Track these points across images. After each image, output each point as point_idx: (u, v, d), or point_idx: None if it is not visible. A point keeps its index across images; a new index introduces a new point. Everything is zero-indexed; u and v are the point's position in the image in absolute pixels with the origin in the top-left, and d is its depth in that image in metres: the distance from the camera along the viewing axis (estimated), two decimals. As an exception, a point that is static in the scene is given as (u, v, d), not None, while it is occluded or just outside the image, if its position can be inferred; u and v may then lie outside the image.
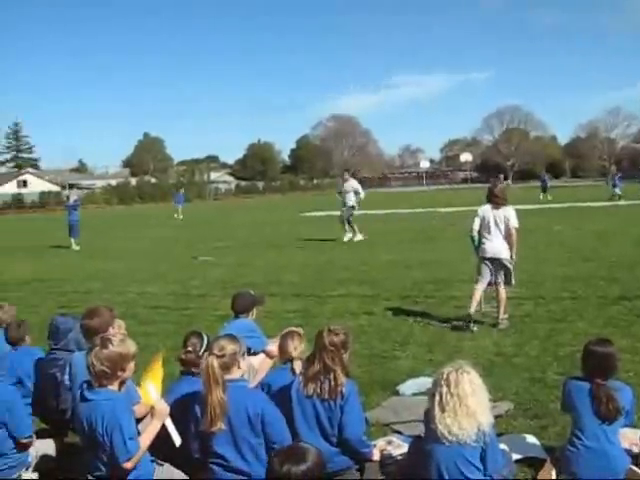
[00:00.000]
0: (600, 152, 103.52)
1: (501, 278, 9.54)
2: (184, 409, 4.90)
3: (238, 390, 4.61)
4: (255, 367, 6.50)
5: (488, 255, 9.53)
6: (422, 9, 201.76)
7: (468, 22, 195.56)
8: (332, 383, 4.86)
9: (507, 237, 9.45)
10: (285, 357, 5.56)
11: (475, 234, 9.66)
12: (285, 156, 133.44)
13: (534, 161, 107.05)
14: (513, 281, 9.64)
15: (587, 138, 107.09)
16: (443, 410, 4.38)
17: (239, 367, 4.73)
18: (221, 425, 4.48)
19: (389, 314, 10.55)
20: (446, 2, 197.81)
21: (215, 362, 4.50)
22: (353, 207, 22.60)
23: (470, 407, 4.37)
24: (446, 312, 10.41)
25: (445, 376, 4.44)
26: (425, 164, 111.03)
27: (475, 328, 9.31)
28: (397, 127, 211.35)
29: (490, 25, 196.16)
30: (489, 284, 9.65)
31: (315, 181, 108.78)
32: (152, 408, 4.62)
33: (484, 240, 9.56)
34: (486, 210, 9.61)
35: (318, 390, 4.87)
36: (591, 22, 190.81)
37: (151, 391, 4.69)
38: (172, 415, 4.74)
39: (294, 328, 5.93)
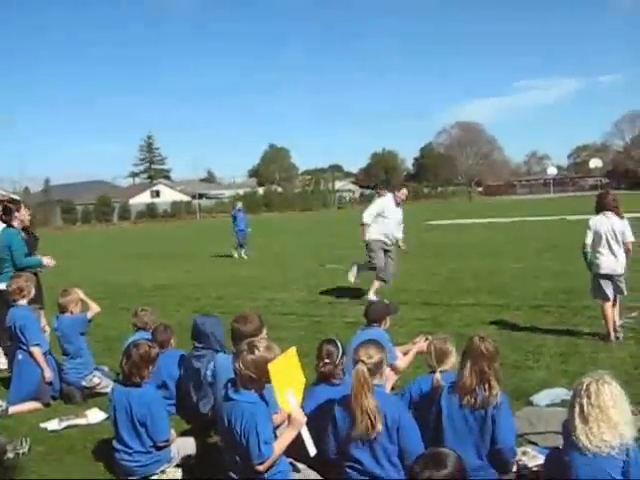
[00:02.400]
0: None
1: (617, 291, 9.17)
2: (323, 413, 5.02)
3: (378, 395, 4.68)
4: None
5: (603, 272, 9.10)
6: (545, 12, 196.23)
7: (594, 24, 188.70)
8: (487, 392, 4.78)
9: (623, 251, 9.03)
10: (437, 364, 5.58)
11: (588, 249, 9.15)
12: (409, 164, 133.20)
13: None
14: (625, 291, 9.23)
15: None
16: (584, 421, 4.30)
17: (382, 375, 4.81)
18: (380, 428, 4.54)
19: (520, 324, 10.37)
20: (571, 4, 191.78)
21: (365, 369, 4.59)
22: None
23: (612, 419, 4.28)
24: (579, 322, 10.15)
25: (585, 387, 4.37)
26: (552, 171, 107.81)
27: (619, 338, 9.08)
28: (523, 133, 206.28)
29: (617, 27, 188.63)
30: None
31: (439, 189, 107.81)
32: (289, 416, 4.71)
33: (598, 255, 9.10)
34: (598, 222, 9.13)
35: (472, 400, 4.81)
36: None
37: (290, 399, 4.73)
38: (310, 420, 4.84)
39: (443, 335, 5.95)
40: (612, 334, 9.06)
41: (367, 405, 4.53)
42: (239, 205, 27.53)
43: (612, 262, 9.04)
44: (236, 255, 24.98)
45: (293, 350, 4.96)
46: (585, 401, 4.33)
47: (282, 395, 4.71)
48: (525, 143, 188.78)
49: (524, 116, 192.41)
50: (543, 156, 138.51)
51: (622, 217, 9.11)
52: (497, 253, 21.27)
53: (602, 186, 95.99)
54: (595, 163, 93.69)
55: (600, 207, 9.21)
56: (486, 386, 4.79)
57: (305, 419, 4.71)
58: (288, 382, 4.77)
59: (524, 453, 5.35)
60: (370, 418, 4.53)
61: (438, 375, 5.41)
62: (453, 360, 5.50)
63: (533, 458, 5.24)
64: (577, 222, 31.25)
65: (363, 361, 4.64)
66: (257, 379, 4.61)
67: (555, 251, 20.36)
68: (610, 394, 4.34)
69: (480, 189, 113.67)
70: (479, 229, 33.88)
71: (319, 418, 5.02)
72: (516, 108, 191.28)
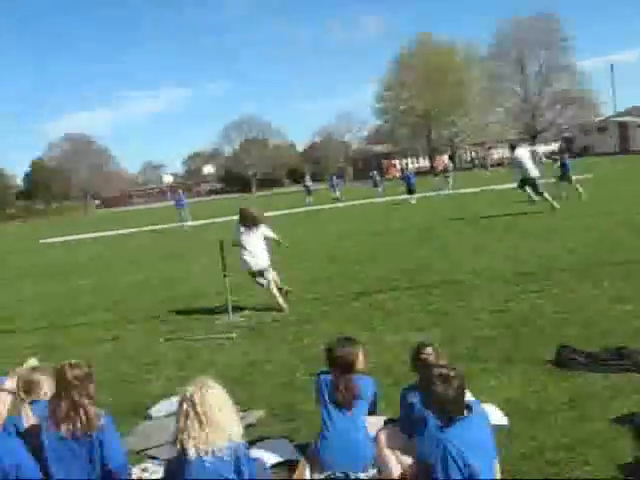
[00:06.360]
0: (336, 155, 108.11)
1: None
2: None
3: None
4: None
5: (243, 268, 11.00)
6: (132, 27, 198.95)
7: (197, 36, 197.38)
8: (84, 418, 4.55)
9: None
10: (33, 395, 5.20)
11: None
12: (19, 181, 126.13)
13: (275, 169, 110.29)
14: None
15: (322, 143, 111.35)
16: (190, 429, 4.31)
17: None
18: None
19: (137, 336, 10.28)
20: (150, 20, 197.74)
21: None
22: None
23: (219, 423, 4.34)
24: (195, 327, 10.35)
25: (189, 395, 4.38)
26: (168, 179, 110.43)
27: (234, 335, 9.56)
28: (136, 143, 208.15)
29: (218, 39, 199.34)
30: None
31: (54, 205, 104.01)
32: None
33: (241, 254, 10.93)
34: (238, 227, 11.01)
35: (72, 428, 4.55)
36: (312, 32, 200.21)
37: None
38: None
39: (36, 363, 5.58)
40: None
41: None
42: None
43: (249, 260, 10.86)
44: None
45: None
46: (190, 409, 4.34)
47: None
48: (140, 153, 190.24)
49: (136, 126, 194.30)
50: (158, 165, 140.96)
51: (262, 224, 11.05)
52: (114, 267, 21.01)
53: (217, 191, 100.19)
54: (208, 169, 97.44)
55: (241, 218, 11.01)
56: (81, 412, 4.58)
57: None
58: None
59: (144, 470, 5.27)
60: None
61: (27, 407, 5.07)
62: (45, 389, 5.18)
63: (154, 473, 5.17)
64: (198, 227, 32.28)
65: None
66: None
67: (172, 259, 20.72)
68: (214, 398, 4.40)
69: (98, 202, 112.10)
70: (96, 244, 33.26)
71: None
72: (127, 119, 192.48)
